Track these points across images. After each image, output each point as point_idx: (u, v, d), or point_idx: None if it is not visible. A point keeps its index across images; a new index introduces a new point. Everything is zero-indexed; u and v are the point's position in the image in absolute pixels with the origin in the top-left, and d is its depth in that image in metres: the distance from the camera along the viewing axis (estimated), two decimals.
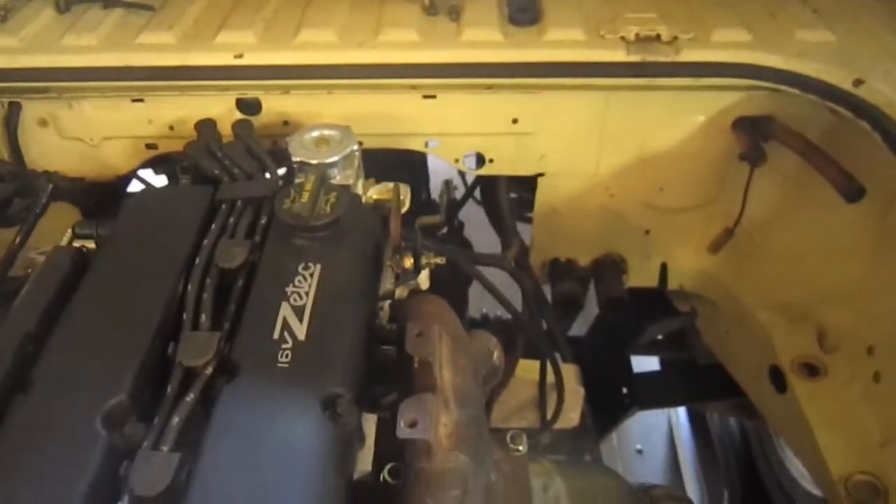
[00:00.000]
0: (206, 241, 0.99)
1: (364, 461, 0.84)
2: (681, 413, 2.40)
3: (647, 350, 1.81)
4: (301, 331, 0.86)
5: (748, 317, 1.35)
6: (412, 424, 0.78)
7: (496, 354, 1.01)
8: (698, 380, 1.61)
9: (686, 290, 1.46)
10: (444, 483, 0.78)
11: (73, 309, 0.91)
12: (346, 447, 0.81)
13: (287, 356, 0.84)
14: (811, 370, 1.23)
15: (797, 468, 1.89)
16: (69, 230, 1.12)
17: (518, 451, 1.02)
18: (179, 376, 0.85)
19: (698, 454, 2.28)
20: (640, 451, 2.45)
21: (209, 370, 0.85)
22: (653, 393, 1.56)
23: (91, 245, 1.09)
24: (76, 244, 1.09)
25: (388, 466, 0.86)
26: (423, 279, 1.20)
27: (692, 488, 2.24)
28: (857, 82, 1.10)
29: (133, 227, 1.04)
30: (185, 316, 0.91)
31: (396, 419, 0.81)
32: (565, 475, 1.09)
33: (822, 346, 1.25)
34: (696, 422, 2.32)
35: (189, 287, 0.94)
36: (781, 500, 1.91)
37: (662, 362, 1.96)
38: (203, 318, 0.90)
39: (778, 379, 1.28)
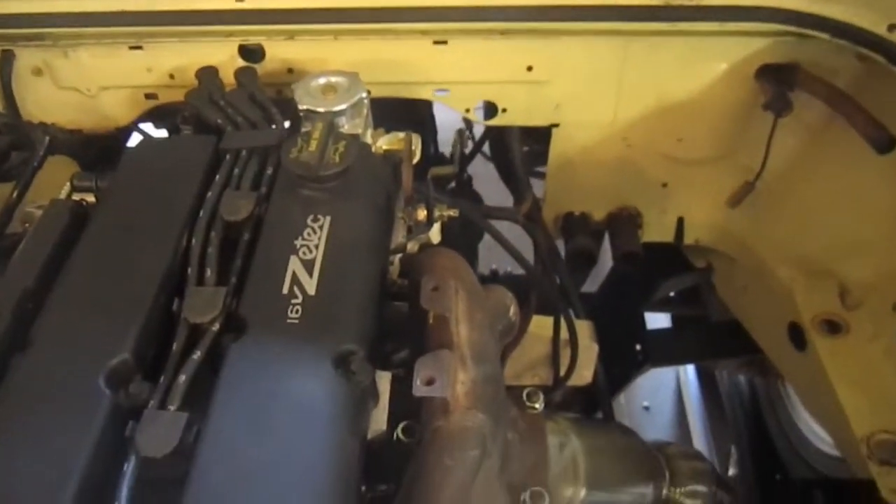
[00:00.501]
0: (210, 193, 0.95)
1: (378, 420, 0.81)
2: (689, 370, 2.38)
3: (659, 306, 1.78)
4: (311, 285, 0.83)
5: (767, 272, 1.31)
6: (429, 382, 0.75)
7: (512, 310, 0.98)
8: (712, 337, 1.58)
9: (702, 244, 1.42)
10: (462, 442, 0.75)
11: (72, 264, 0.88)
12: (360, 406, 0.78)
13: (297, 312, 0.80)
14: (833, 327, 1.19)
15: (807, 426, 1.88)
16: (67, 183, 1.08)
17: (534, 409, 0.99)
18: (185, 333, 0.82)
19: (706, 411, 2.27)
20: (647, 408, 2.44)
21: (216, 327, 0.82)
22: (666, 350, 1.53)
23: (90, 198, 1.05)
24: (75, 197, 1.05)
25: (401, 425, 0.83)
26: (435, 233, 1.17)
27: (700, 445, 2.23)
28: (893, 27, 1.04)
29: (134, 179, 1.00)
30: (189, 271, 0.87)
31: (411, 377, 0.78)
32: (581, 433, 1.06)
33: (843, 303, 1.22)
34: (705, 379, 2.30)
35: (193, 241, 0.90)
36: (791, 458, 1.90)
37: (675, 319, 1.93)
38: (208, 272, 0.87)
39: (797, 336, 1.25)
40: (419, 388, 0.75)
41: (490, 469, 0.80)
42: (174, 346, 0.81)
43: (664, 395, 2.48)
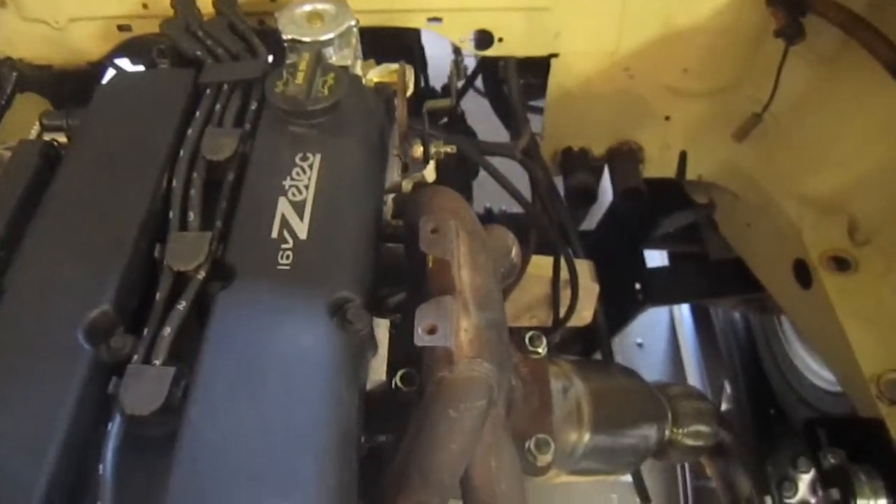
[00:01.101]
0: (190, 131, 0.89)
1: (377, 370, 0.77)
2: (683, 307, 2.36)
3: (657, 244, 1.74)
4: (302, 229, 0.78)
5: (773, 208, 1.26)
6: (431, 331, 0.71)
7: (514, 251, 0.93)
8: (713, 275, 1.55)
9: (705, 180, 1.37)
10: (467, 393, 0.71)
11: (45, 210, 0.82)
12: (358, 356, 0.73)
13: (288, 257, 0.75)
14: (841, 264, 1.16)
15: (803, 362, 1.86)
16: (37, 123, 1.01)
17: (537, 353, 0.96)
18: (169, 282, 0.77)
19: (701, 348, 2.26)
20: (640, 345, 2.42)
21: (201, 274, 0.76)
22: (666, 289, 1.50)
23: (62, 139, 0.98)
24: (45, 138, 0.98)
25: (399, 373, 0.79)
26: (430, 171, 1.11)
27: (693, 382, 2.23)
28: None
29: (108, 117, 0.93)
30: (171, 215, 0.82)
31: (408, 323, 0.73)
32: (585, 377, 1.03)
33: (852, 239, 1.18)
34: (699, 315, 2.28)
35: (174, 182, 0.84)
36: (786, 394, 1.89)
37: (672, 257, 1.90)
38: (191, 216, 0.81)
39: (803, 273, 1.21)
40: (421, 338, 0.70)
41: (496, 418, 0.76)
42: (158, 296, 0.76)
43: (658, 333, 2.46)
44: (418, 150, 0.91)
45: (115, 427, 0.65)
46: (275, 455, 0.63)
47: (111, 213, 0.80)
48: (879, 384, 1.02)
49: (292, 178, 0.82)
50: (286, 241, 0.76)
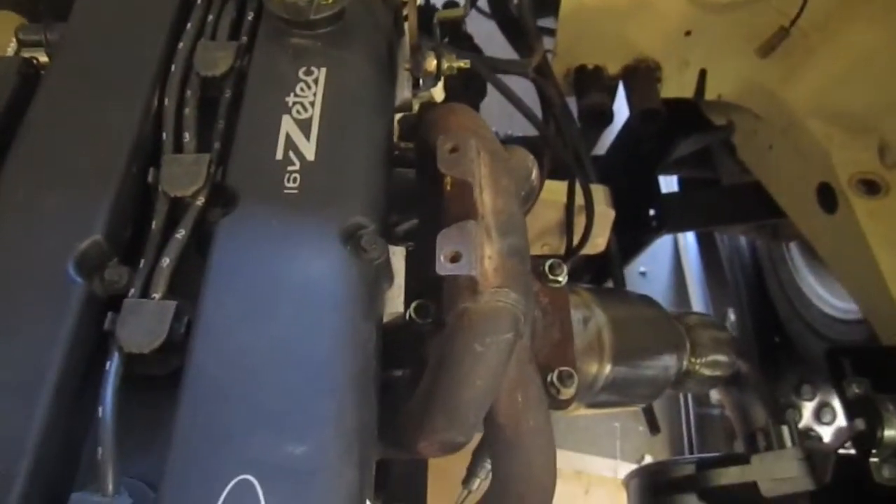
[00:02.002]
0: (181, 44, 0.81)
1: (394, 302, 0.71)
2: (688, 234, 2.32)
3: (669, 169, 1.68)
4: (309, 149, 0.71)
5: (797, 129, 1.20)
6: (454, 258, 0.65)
7: (535, 174, 0.87)
8: (728, 201, 1.49)
9: (726, 100, 1.30)
10: (493, 325, 0.66)
11: (25, 133, 0.74)
12: (374, 287, 0.68)
13: (295, 180, 0.69)
14: (871, 187, 1.10)
15: (811, 289, 1.83)
16: (13, 39, 0.92)
17: (557, 282, 0.90)
18: (165, 209, 0.70)
19: (706, 275, 2.22)
20: (643, 274, 2.39)
21: (200, 200, 0.70)
22: (681, 215, 1.44)
23: (41, 56, 0.89)
24: (24, 55, 0.89)
25: (414, 304, 0.74)
26: (439, 91, 1.04)
27: (697, 309, 2.20)
28: None
29: (90, 31, 0.84)
30: (164, 136, 0.75)
31: (421, 250, 0.68)
32: (605, 306, 0.98)
33: (883, 161, 1.12)
34: (705, 243, 2.24)
35: (166, 101, 0.77)
36: (793, 322, 1.86)
37: (682, 183, 1.84)
38: (187, 137, 0.75)
39: (828, 197, 1.16)
40: (443, 266, 0.65)
41: (522, 351, 0.72)
42: (154, 225, 0.69)
43: (662, 260, 2.42)
44: (431, 64, 0.83)
45: (113, 366, 0.60)
46: (289, 395, 0.58)
47: (98, 135, 0.72)
48: None
49: (296, 95, 0.75)
50: (292, 163, 0.70)
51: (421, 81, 0.86)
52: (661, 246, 2.44)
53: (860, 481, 1.03)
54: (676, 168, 1.68)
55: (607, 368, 0.95)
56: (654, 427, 1.50)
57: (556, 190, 1.22)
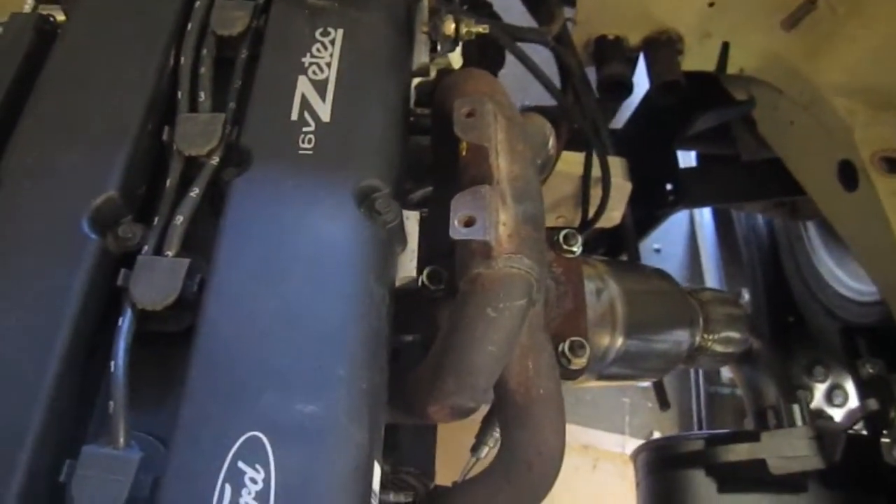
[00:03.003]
0: (197, 3, 0.80)
1: (407, 266, 0.71)
2: (704, 211, 2.29)
3: (688, 144, 1.66)
4: (325, 111, 0.70)
5: (821, 104, 1.18)
6: (468, 223, 0.65)
7: (551, 142, 0.86)
8: (747, 177, 1.47)
9: (747, 74, 1.28)
10: (507, 291, 0.65)
11: (42, 89, 0.74)
12: (387, 250, 0.68)
13: (310, 141, 0.68)
14: (893, 165, 1.08)
15: (828, 269, 1.81)
16: None
17: (572, 252, 0.90)
18: (180, 167, 0.70)
19: (721, 253, 2.20)
20: (657, 251, 2.37)
21: (215, 159, 0.70)
22: (699, 190, 1.43)
23: (58, 14, 0.89)
24: (40, 11, 0.89)
25: (426, 270, 0.74)
26: (456, 57, 1.02)
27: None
28: None
29: None
30: (179, 95, 0.74)
31: (435, 216, 0.67)
32: (619, 278, 0.98)
33: None
34: (721, 220, 2.21)
35: (182, 60, 0.76)
36: (808, 302, 1.84)
37: (700, 158, 1.81)
38: (202, 96, 0.74)
39: (849, 175, 1.14)
40: (457, 230, 0.64)
41: (535, 318, 0.71)
42: (168, 183, 0.69)
43: (676, 237, 2.41)
44: (449, 27, 0.82)
45: (125, 322, 0.60)
46: (301, 354, 0.58)
47: (114, 93, 0.72)
48: None
49: (312, 55, 0.74)
50: (307, 124, 0.69)
51: (439, 46, 0.84)
52: (676, 223, 2.41)
53: (870, 462, 1.02)
54: (695, 143, 1.66)
55: (619, 341, 0.95)
56: (663, 402, 1.50)
57: (572, 161, 1.20)
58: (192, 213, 0.66)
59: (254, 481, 0.52)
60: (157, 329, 0.63)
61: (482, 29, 0.88)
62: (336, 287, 0.61)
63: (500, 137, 0.72)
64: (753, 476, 1.11)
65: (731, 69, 1.28)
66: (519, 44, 1.02)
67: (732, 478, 1.13)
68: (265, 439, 0.54)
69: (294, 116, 0.70)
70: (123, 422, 0.56)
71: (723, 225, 2.19)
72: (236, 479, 0.52)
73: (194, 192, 0.67)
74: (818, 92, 1.18)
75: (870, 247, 1.12)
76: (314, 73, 0.73)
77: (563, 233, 0.90)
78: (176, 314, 0.62)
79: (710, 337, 1.15)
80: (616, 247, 1.38)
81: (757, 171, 1.44)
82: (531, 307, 0.69)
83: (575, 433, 2.14)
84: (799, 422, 1.19)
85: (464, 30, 0.87)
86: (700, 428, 2.09)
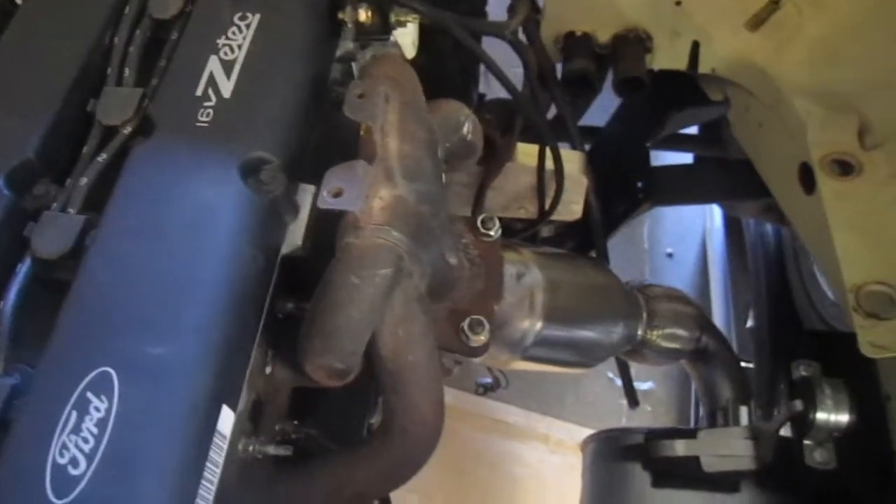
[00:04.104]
0: None
1: (294, 235, 0.76)
2: (716, 217, 2.27)
3: (678, 145, 1.66)
4: (227, 87, 0.76)
5: (785, 106, 1.17)
6: (337, 194, 0.69)
7: (467, 127, 0.90)
8: (724, 177, 1.47)
9: (719, 74, 1.28)
10: (372, 260, 0.70)
11: None
12: (270, 218, 0.73)
13: (208, 115, 0.74)
14: (844, 168, 1.07)
15: (826, 278, 1.78)
16: None
17: (489, 236, 0.93)
18: (98, 136, 0.77)
19: (729, 260, 2.18)
20: (670, 255, 2.36)
21: (128, 129, 0.76)
22: (671, 188, 1.43)
23: None
24: None
25: (314, 239, 0.78)
26: (408, 45, 1.07)
27: (718, 295, 2.16)
28: None
29: None
30: (109, 71, 0.82)
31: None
32: (545, 266, 1.01)
33: (862, 143, 1.09)
34: (731, 227, 2.19)
35: (116, 39, 0.84)
36: (808, 312, 1.81)
37: (696, 161, 1.80)
38: (127, 72, 0.81)
39: (808, 177, 1.13)
40: (325, 200, 0.69)
41: (410, 291, 0.75)
42: (84, 150, 0.76)
43: (690, 243, 2.39)
44: (362, 16, 0.87)
45: (23, 268, 0.68)
46: (162, 304, 0.64)
47: (46, 66, 0.80)
48: (859, 295, 0.96)
49: (227, 37, 0.80)
50: (209, 99, 0.75)
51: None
52: (691, 228, 2.40)
53: (798, 464, 1.02)
54: (687, 145, 1.66)
55: (538, 325, 0.98)
56: (632, 400, 1.51)
57: (532, 153, 1.23)
58: (97, 176, 0.73)
59: (97, 410, 0.58)
60: (58, 277, 0.70)
61: (411, 18, 0.93)
62: (207, 247, 0.67)
63: (390, 118, 0.77)
64: (688, 473, 1.11)
65: (703, 69, 1.28)
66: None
67: (667, 473, 1.14)
68: (115, 375, 0.60)
69: (199, 92, 0.76)
70: (3, 353, 0.63)
71: (733, 231, 2.17)
72: (83, 407, 0.58)
73: (101, 158, 0.74)
74: (782, 93, 1.17)
75: (820, 252, 1.11)
76: (225, 53, 0.79)
77: (481, 217, 0.94)
78: (70, 265, 0.69)
79: (654, 332, 1.16)
80: (587, 241, 1.39)
81: (734, 171, 1.43)
82: (403, 278, 0.74)
83: (571, 432, 2.16)
84: (745, 423, 1.18)
85: (393, 18, 0.92)
86: None
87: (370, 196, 0.71)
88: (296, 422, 0.87)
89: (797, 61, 1.16)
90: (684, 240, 2.37)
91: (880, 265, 0.98)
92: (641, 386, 2.18)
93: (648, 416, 2.17)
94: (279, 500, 0.77)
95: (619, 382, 2.07)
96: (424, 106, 0.82)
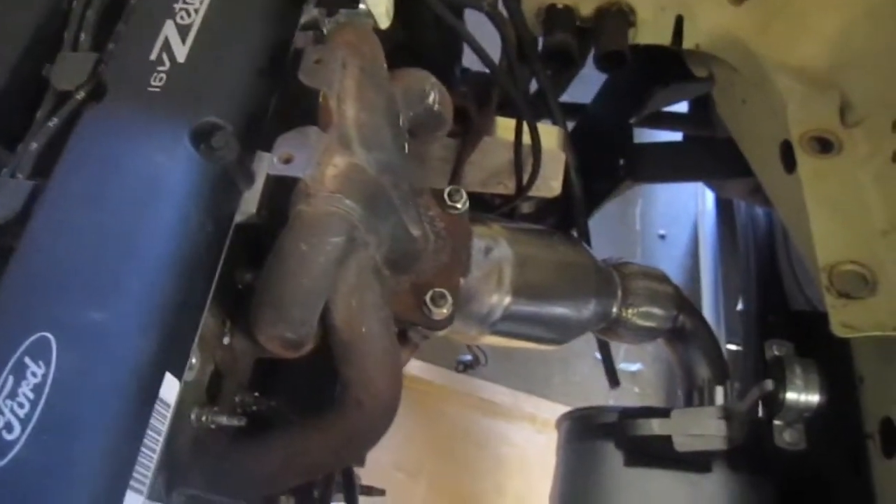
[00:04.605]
0: None
1: (249, 202, 0.75)
2: (708, 199, 2.25)
3: (668, 124, 1.64)
4: (182, 52, 0.75)
5: (767, 83, 1.15)
6: (287, 160, 0.68)
7: (434, 97, 0.88)
8: (708, 155, 1.44)
9: (703, 49, 1.26)
10: (322, 228, 0.69)
11: None
12: (221, 185, 0.72)
13: (161, 80, 0.73)
14: (824, 145, 1.05)
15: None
16: None
17: (455, 208, 0.92)
18: (52, 101, 0.76)
19: (721, 243, 2.16)
20: (662, 237, 2.34)
21: (81, 94, 0.75)
22: (653, 166, 1.41)
23: None
24: None
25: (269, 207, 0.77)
26: (381, 15, 1.05)
27: (708, 277, 2.15)
28: None
29: None
30: (66, 35, 0.80)
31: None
32: (515, 241, 1.00)
33: (843, 120, 1.07)
34: (723, 209, 2.17)
35: (74, 3, 0.82)
36: (797, 295, 1.80)
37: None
38: (83, 36, 0.79)
39: (789, 156, 1.11)
40: (274, 166, 0.68)
41: (364, 261, 0.74)
42: (38, 114, 0.75)
43: (682, 224, 2.37)
44: None
45: None
46: (104, 269, 0.63)
47: (1, 31, 0.79)
48: (832, 275, 0.94)
49: (184, 1, 0.78)
50: (163, 64, 0.74)
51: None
52: (684, 209, 2.38)
53: (769, 445, 1.01)
54: (676, 124, 1.64)
55: (506, 300, 0.97)
56: (613, 380, 1.50)
57: (510, 128, 1.21)
58: (48, 140, 0.72)
59: (34, 375, 0.57)
60: (5, 244, 0.69)
61: None
62: (153, 213, 0.66)
63: (347, 85, 0.75)
64: (660, 452, 1.10)
65: (688, 44, 1.26)
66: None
67: (640, 452, 1.13)
68: (53, 340, 0.59)
69: (153, 57, 0.74)
70: None
71: (725, 213, 2.15)
72: (19, 372, 0.58)
73: (52, 122, 0.73)
74: (764, 69, 1.15)
75: (797, 231, 1.09)
76: (181, 17, 0.77)
77: (448, 189, 0.92)
78: (17, 230, 0.68)
79: (629, 310, 1.15)
80: (568, 218, 1.38)
81: (713, 149, 1.42)
82: (358, 248, 0.73)
83: (558, 411, 2.15)
84: (720, 403, 1.18)
85: None
86: None
87: (323, 163, 0.70)
88: (256, 393, 0.87)
89: (780, 37, 1.14)
90: (677, 221, 2.35)
91: (855, 245, 0.96)
92: (630, 367, 2.17)
93: (637, 398, 2.17)
94: (233, 470, 0.76)
95: None
96: (385, 74, 0.81)
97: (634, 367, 2.18)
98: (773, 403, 0.98)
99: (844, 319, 0.91)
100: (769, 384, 0.99)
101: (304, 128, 0.70)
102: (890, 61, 1.03)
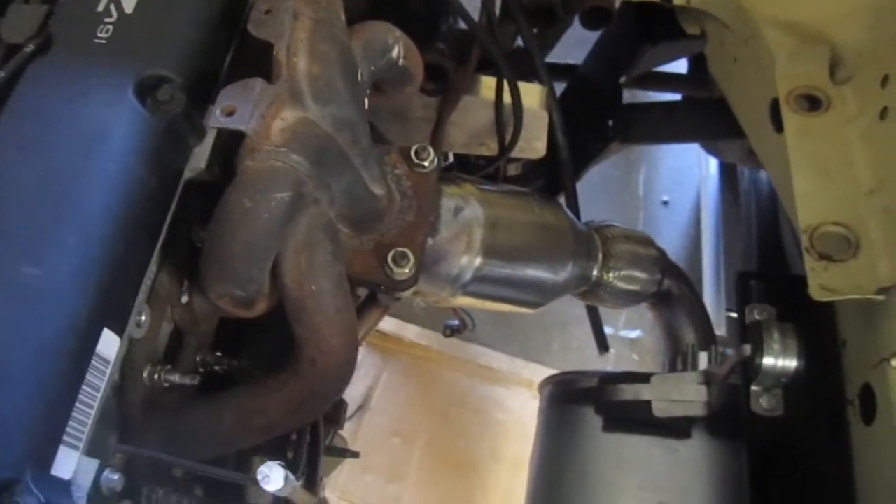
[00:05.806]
0: None
1: (198, 157, 0.73)
2: (712, 164, 2.20)
3: (663, 85, 1.59)
4: (130, 3, 0.73)
5: (757, 38, 1.11)
6: (230, 113, 0.66)
7: (398, 50, 0.85)
8: (699, 116, 1.40)
9: (694, 6, 1.21)
10: (265, 183, 0.67)
11: None
12: (167, 139, 0.70)
13: (107, 31, 0.71)
14: (812, 103, 1.01)
15: None
16: None
17: (423, 167, 0.90)
18: (1, 54, 0.74)
19: (723, 208, 2.12)
20: (665, 203, 2.30)
21: (30, 47, 0.74)
22: (643, 127, 1.37)
23: None
24: None
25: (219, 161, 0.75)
26: None
27: (710, 242, 2.11)
28: None
29: None
30: None
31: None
32: (487, 202, 0.97)
33: (833, 76, 1.03)
34: (727, 174, 2.12)
35: None
36: (798, 261, 1.76)
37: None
38: None
39: (779, 115, 1.07)
40: (216, 119, 0.66)
41: (314, 217, 0.73)
42: None
43: (686, 190, 2.33)
44: None
45: None
46: (42, 224, 0.62)
47: None
48: (813, 236, 0.91)
49: None
50: (110, 15, 0.72)
51: None
52: (688, 175, 2.34)
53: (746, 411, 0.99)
54: (672, 86, 1.59)
55: (477, 261, 0.95)
56: (602, 345, 1.48)
57: (492, 86, 1.18)
58: None
59: None
60: None
61: None
62: (93, 166, 0.65)
63: (299, 36, 0.73)
64: (639, 418, 1.09)
65: (678, 0, 1.22)
66: None
67: (619, 418, 1.12)
68: None
69: (100, 8, 0.73)
70: None
71: (728, 178, 2.11)
72: None
73: (0, 75, 0.71)
74: (755, 24, 1.11)
75: (783, 192, 1.06)
76: None
77: (414, 147, 0.90)
78: None
79: (611, 273, 1.13)
80: (556, 180, 1.35)
81: (703, 110, 1.38)
82: (307, 204, 0.71)
83: None
84: (703, 369, 1.15)
85: None
86: None
87: (269, 117, 0.68)
88: (218, 353, 0.87)
89: None
90: (680, 187, 2.31)
91: (838, 205, 0.93)
92: (630, 334, 2.15)
93: (636, 365, 2.15)
94: (188, 427, 0.76)
95: (606, 330, 2.05)
96: (343, 26, 0.78)
97: (634, 333, 2.16)
98: (751, 368, 0.96)
99: (823, 282, 0.89)
100: (747, 349, 0.96)
101: (250, 80, 0.68)
102: (883, 15, 0.98)
